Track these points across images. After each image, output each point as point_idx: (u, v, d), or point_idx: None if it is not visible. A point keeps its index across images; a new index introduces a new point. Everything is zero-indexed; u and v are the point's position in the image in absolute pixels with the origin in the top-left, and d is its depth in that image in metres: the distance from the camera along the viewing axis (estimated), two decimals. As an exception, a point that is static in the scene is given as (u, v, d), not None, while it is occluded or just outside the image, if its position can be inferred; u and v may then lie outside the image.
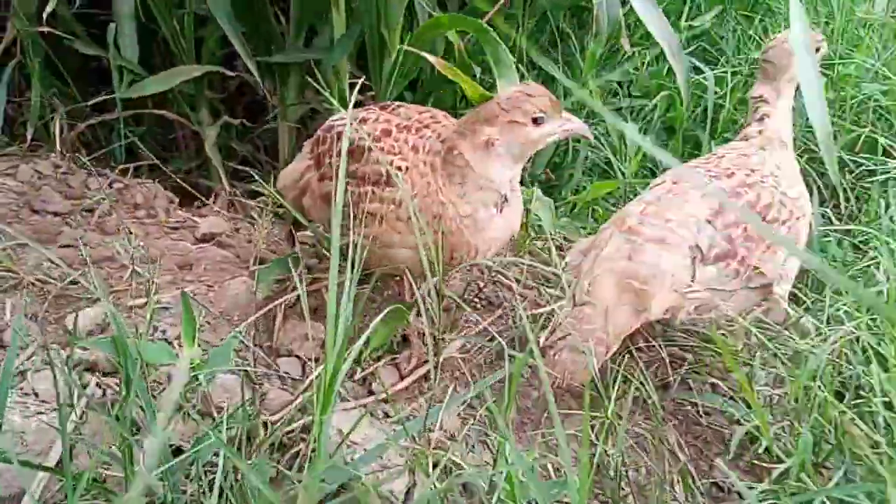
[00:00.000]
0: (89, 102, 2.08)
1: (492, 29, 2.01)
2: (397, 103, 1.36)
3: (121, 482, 0.97)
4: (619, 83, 2.07)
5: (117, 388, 1.12)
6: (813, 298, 1.41)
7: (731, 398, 1.24)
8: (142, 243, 1.63)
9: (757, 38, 2.23)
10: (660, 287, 1.20)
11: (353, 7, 2.00)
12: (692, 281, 1.22)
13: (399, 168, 1.20)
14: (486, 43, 1.59)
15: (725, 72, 2.10)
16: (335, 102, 1.97)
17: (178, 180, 2.07)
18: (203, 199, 2.08)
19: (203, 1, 1.98)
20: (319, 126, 1.43)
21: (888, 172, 1.62)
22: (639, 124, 2.12)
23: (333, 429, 1.12)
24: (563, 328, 1.18)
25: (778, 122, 1.46)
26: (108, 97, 2.00)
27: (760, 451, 1.07)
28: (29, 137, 2.01)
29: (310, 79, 2.12)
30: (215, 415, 1.08)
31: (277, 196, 1.42)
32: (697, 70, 2.28)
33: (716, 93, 2.09)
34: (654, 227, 1.27)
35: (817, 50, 1.53)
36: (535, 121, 1.19)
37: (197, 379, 1.03)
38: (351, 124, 1.25)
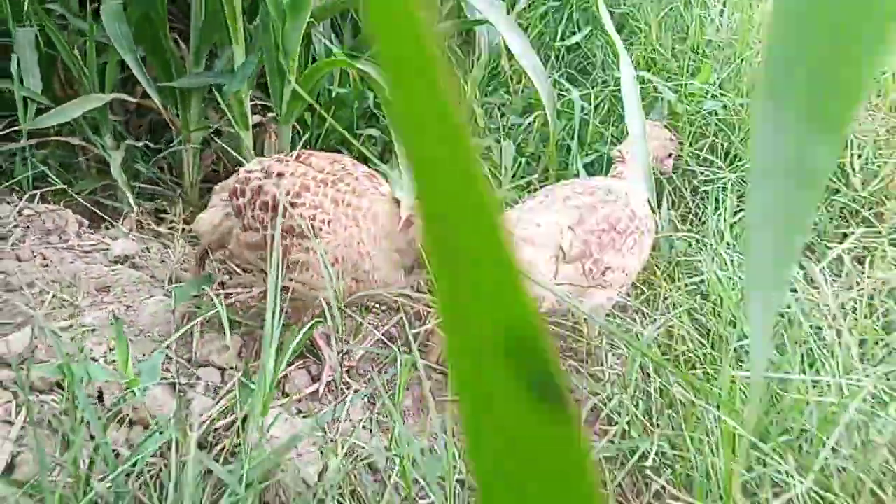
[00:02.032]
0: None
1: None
2: (307, 152, 1.49)
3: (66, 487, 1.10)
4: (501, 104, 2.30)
5: (55, 405, 1.25)
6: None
7: (591, 376, 1.48)
8: (58, 268, 1.72)
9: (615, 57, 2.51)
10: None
11: (252, 36, 2.15)
12: (554, 276, 1.46)
13: (322, 221, 1.35)
14: (372, 81, 1.77)
15: (589, 91, 2.37)
16: (237, 126, 2.11)
17: (87, 204, 2.15)
18: (111, 221, 2.17)
19: (102, 30, 2.07)
20: (230, 171, 1.58)
21: (720, 180, 1.93)
22: (521, 136, 2.36)
23: (256, 427, 1.29)
24: None
25: (630, 174, 1.72)
26: (10, 129, 2.06)
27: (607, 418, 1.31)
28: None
29: (217, 101, 2.27)
30: (150, 421, 1.22)
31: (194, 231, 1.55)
32: (572, 80, 2.57)
33: (583, 108, 2.35)
34: (525, 229, 1.51)
35: (670, 156, 1.83)
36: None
37: (134, 393, 1.17)
38: (268, 179, 1.40)
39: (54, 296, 1.59)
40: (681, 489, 1.10)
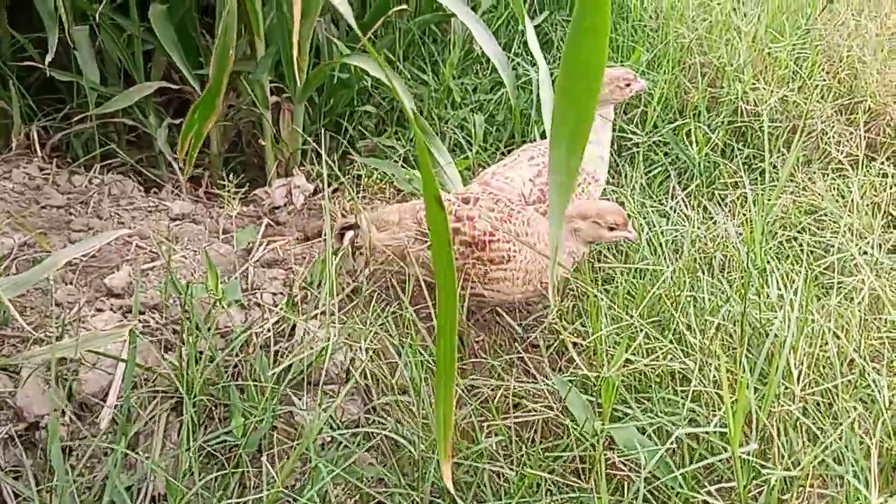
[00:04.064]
0: (58, 116, 2.62)
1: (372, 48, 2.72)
2: (473, 196, 1.93)
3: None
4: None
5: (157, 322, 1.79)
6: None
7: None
8: (132, 225, 2.24)
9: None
10: None
11: (269, 34, 2.64)
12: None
13: (516, 250, 1.85)
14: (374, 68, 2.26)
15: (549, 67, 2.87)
16: (259, 106, 2.60)
17: (140, 172, 2.66)
18: (158, 185, 2.68)
19: (148, 30, 2.54)
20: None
21: (640, 144, 2.47)
22: (491, 109, 2.88)
23: (301, 332, 1.84)
24: None
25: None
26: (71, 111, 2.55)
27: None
28: (13, 146, 2.54)
29: (237, 85, 2.76)
30: (232, 329, 1.77)
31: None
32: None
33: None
34: (498, 181, 2.10)
35: (628, 85, 2.31)
36: (611, 228, 1.86)
37: (221, 306, 1.71)
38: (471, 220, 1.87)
39: (137, 245, 2.11)
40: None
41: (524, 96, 2.82)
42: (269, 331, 1.83)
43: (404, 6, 2.74)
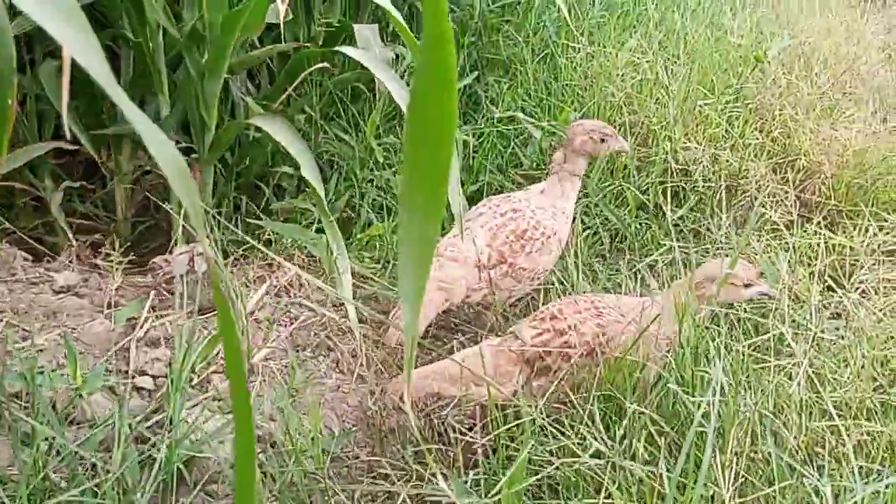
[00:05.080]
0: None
1: (289, 107, 2.57)
2: (550, 313, 1.80)
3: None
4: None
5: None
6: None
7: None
8: (8, 299, 2.00)
9: (500, 98, 2.91)
10: (458, 287, 1.98)
11: (175, 88, 2.47)
12: (479, 280, 1.99)
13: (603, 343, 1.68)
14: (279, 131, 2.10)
15: (478, 127, 2.76)
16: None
17: (29, 240, 2.42)
18: (51, 255, 2.44)
19: (42, 88, 2.35)
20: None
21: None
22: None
23: (185, 422, 1.61)
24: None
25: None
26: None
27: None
28: None
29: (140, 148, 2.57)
30: (96, 420, 1.53)
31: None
32: (467, 115, 2.97)
33: (471, 144, 2.74)
34: (452, 251, 2.02)
35: (603, 140, 2.19)
36: (746, 286, 1.71)
37: (82, 397, 1.48)
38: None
39: (8, 322, 1.87)
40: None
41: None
42: (145, 420, 1.60)
43: (325, 64, 2.61)
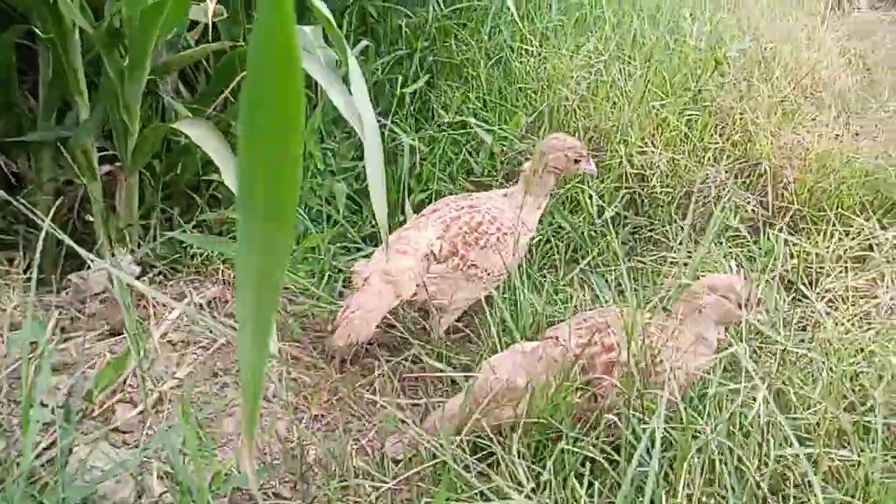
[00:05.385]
0: None
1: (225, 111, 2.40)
2: (595, 324, 1.61)
3: None
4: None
5: None
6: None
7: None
8: None
9: (452, 103, 2.77)
10: (407, 280, 1.83)
11: (97, 91, 2.28)
12: (428, 272, 1.86)
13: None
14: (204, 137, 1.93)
15: (429, 133, 2.62)
16: (83, 177, 2.23)
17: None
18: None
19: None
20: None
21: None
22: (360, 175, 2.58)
23: (77, 459, 1.42)
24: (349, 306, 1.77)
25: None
26: None
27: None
28: None
29: (63, 154, 2.37)
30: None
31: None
32: (419, 121, 2.82)
33: (421, 151, 2.59)
34: (402, 243, 1.89)
35: (577, 161, 2.06)
36: (740, 305, 1.55)
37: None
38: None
39: None
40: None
41: (400, 163, 2.54)
42: (36, 458, 1.41)
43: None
